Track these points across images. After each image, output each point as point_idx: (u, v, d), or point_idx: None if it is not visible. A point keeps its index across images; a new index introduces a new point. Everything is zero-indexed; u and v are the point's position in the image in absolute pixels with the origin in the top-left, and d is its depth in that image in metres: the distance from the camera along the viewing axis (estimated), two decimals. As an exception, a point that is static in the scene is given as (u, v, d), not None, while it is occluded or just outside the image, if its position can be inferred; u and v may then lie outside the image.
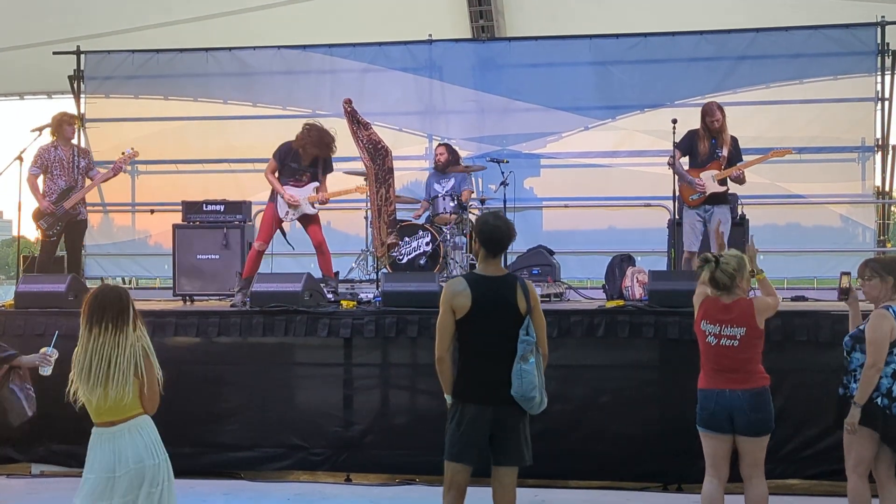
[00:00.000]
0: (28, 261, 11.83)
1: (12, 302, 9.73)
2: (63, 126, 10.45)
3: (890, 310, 6.22)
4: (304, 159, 10.00)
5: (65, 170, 10.35)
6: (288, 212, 9.98)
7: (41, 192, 10.31)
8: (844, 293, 6.77)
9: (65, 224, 10.37)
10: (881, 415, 6.19)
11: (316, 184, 10.08)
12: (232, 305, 9.76)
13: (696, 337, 6.43)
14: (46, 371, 6.42)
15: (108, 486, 5.06)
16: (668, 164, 9.89)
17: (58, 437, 9.00)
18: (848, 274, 6.82)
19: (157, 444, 5.24)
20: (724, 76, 12.79)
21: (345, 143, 10.28)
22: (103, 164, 13.77)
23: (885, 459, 6.28)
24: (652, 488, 8.44)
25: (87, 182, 10.52)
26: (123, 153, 10.80)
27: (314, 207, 10.05)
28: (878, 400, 6.18)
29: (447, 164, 11.59)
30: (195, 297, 10.95)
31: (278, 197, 9.99)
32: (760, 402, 6.22)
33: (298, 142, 9.96)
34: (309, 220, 10.10)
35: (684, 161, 9.84)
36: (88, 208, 11.69)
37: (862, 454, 6.26)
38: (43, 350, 6.55)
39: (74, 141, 10.68)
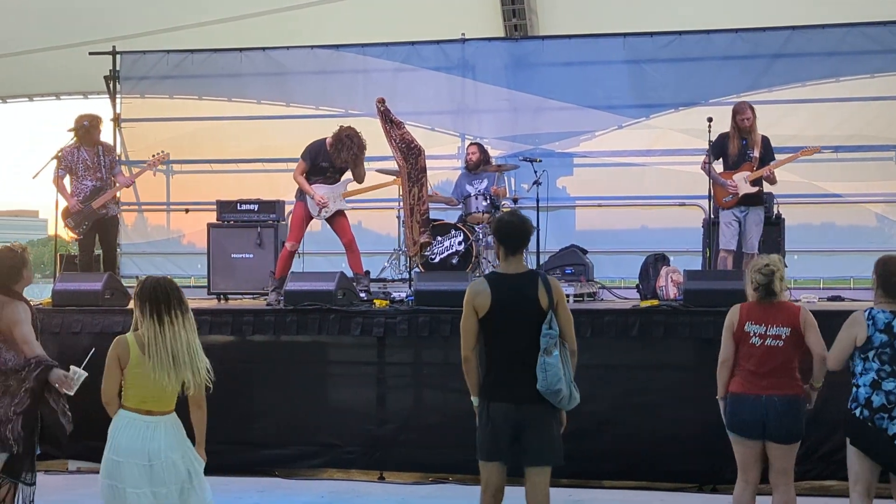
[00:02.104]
0: (64, 260, 11.93)
1: (50, 300, 9.81)
2: (86, 128, 10.51)
3: (867, 313, 6.05)
4: (336, 161, 10.01)
5: (90, 170, 10.43)
6: (320, 211, 9.99)
7: (69, 192, 10.40)
8: None
9: (93, 222, 10.43)
10: (862, 429, 5.96)
11: (349, 180, 10.09)
12: (266, 304, 9.80)
13: (730, 343, 6.35)
14: (70, 391, 6.37)
15: (146, 474, 5.14)
16: (701, 168, 9.87)
17: (93, 435, 9.03)
18: None
19: (188, 442, 5.35)
20: (759, 74, 12.67)
21: (378, 142, 10.29)
22: (138, 163, 13.94)
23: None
24: (686, 489, 8.40)
25: (113, 180, 10.57)
26: (154, 155, 10.86)
27: (344, 205, 10.06)
28: (857, 412, 5.97)
29: (479, 163, 11.57)
30: (229, 296, 11.01)
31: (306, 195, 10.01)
32: (794, 410, 6.19)
33: (334, 147, 9.93)
34: (337, 219, 10.10)
35: (717, 165, 9.81)
36: (123, 208, 11.77)
37: (858, 472, 6.02)
38: (72, 369, 6.53)
39: (105, 139, 10.75)
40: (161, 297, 5.30)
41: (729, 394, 6.31)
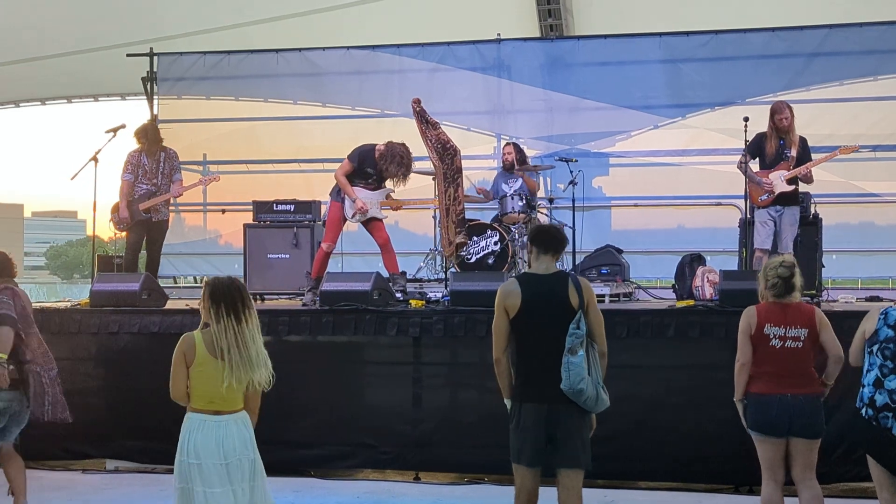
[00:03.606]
0: (102, 260, 12.05)
1: (87, 300, 9.91)
2: (148, 137, 10.76)
3: (885, 310, 6.00)
4: (382, 172, 10.04)
5: (147, 174, 10.60)
6: (356, 214, 10.01)
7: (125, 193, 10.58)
8: None
9: (138, 223, 10.56)
10: (867, 429, 5.86)
11: (389, 189, 10.12)
12: (303, 304, 9.84)
13: (748, 345, 6.37)
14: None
15: (224, 473, 5.21)
16: (738, 166, 9.83)
17: (131, 434, 9.16)
18: None
19: (254, 440, 5.42)
20: (796, 73, 12.59)
21: (414, 143, 10.31)
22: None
23: None
24: (723, 490, 8.36)
25: (172, 185, 10.75)
26: (206, 177, 11.03)
27: (382, 213, 10.11)
28: (864, 411, 5.89)
29: (514, 163, 11.57)
30: (266, 296, 11.07)
31: (345, 196, 10.04)
32: (817, 407, 6.27)
33: (383, 158, 9.93)
34: (373, 221, 10.14)
35: (754, 164, 9.76)
36: (162, 209, 11.82)
37: (879, 478, 5.94)
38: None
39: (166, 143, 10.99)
40: (237, 296, 5.32)
41: (751, 394, 6.33)
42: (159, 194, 10.62)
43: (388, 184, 10.13)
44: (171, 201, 11.43)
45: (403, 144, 10.04)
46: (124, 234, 10.84)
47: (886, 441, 5.82)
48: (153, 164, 10.64)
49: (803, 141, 9.70)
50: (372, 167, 10.02)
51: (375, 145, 10.04)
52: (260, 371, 5.31)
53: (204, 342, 5.28)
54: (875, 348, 5.93)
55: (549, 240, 5.64)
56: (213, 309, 5.28)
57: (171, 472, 5.43)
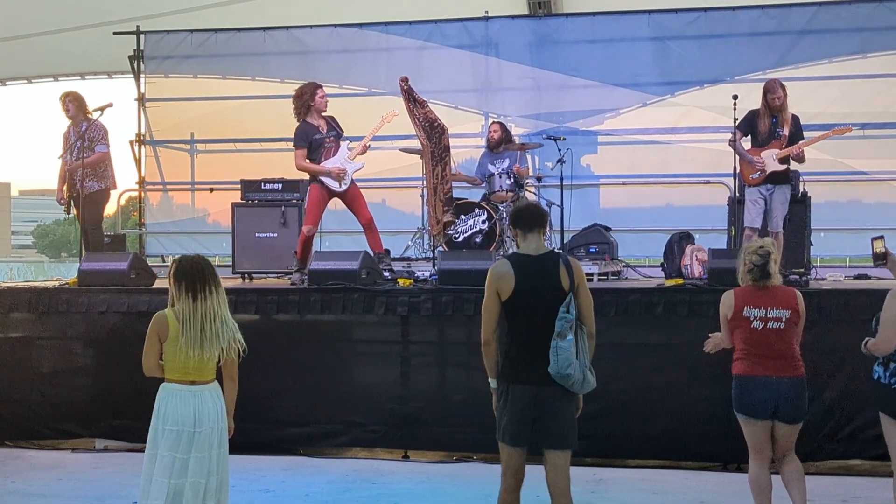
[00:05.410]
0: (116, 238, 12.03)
1: (76, 280, 9.88)
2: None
3: None
4: (319, 127, 10.00)
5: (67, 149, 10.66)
6: (341, 181, 9.96)
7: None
8: (881, 258, 6.51)
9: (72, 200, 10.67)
10: (889, 394, 5.92)
11: (347, 142, 10.10)
12: (291, 283, 9.83)
13: (728, 330, 6.43)
14: None
15: (191, 440, 5.43)
16: (729, 143, 9.82)
17: (119, 414, 9.15)
18: (881, 238, 6.59)
19: (224, 409, 5.63)
20: (785, 51, 12.58)
21: (401, 121, 10.28)
22: (163, 143, 14.05)
23: None
24: (711, 468, 8.39)
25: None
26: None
27: (357, 162, 10.06)
28: (886, 379, 5.93)
29: (500, 141, 11.53)
30: (254, 275, 11.05)
31: (320, 177, 10.01)
32: (801, 390, 6.27)
33: (303, 109, 9.98)
34: (353, 198, 10.09)
35: (745, 142, 9.74)
36: (148, 187, 11.75)
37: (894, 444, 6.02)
38: None
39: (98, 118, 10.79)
40: (196, 274, 5.55)
41: (736, 377, 6.36)
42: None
43: (342, 144, 10.11)
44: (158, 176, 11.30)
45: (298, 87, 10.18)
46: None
47: None
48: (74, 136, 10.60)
49: (796, 119, 9.68)
50: (316, 133, 9.99)
51: (301, 119, 10.04)
52: (226, 343, 5.54)
53: (175, 318, 5.52)
54: None
55: (530, 216, 5.60)
56: (175, 287, 5.57)
57: (160, 451, 5.59)
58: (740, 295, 6.38)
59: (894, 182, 12.56)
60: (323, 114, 10.07)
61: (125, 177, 16.06)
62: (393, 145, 10.68)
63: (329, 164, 9.98)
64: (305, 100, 9.97)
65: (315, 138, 9.97)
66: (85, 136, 10.49)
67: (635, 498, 7.53)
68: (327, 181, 9.97)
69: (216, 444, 5.53)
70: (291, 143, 10.02)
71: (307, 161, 9.97)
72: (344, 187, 10.01)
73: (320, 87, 10.11)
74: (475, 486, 7.78)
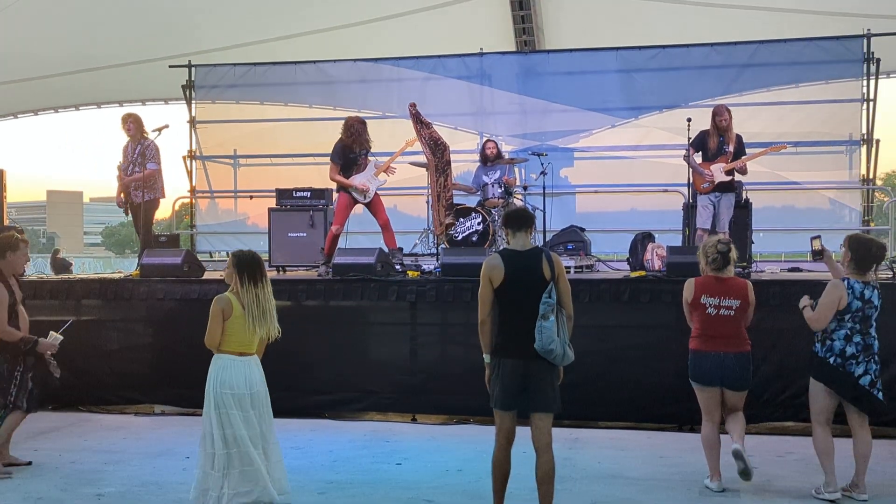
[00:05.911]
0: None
1: (138, 272, 9.87)
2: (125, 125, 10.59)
3: (846, 282, 6.09)
4: (356, 148, 9.95)
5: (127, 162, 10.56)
6: (364, 195, 9.94)
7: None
8: (818, 254, 6.68)
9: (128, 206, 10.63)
10: (834, 373, 6.08)
11: (374, 158, 10.07)
12: (318, 275, 9.81)
13: (689, 311, 6.47)
14: (55, 351, 6.86)
15: (246, 400, 5.55)
16: (684, 158, 9.82)
17: (174, 383, 9.14)
18: (818, 237, 6.73)
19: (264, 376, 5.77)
20: (731, 81, 12.60)
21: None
22: (211, 158, 14.05)
23: (854, 409, 6.16)
24: (668, 429, 8.39)
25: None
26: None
27: (380, 178, 10.03)
28: (832, 360, 6.07)
29: (493, 157, 11.52)
30: (286, 268, 11.04)
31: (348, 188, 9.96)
32: (745, 363, 6.35)
33: (350, 136, 9.85)
34: (374, 204, 10.06)
35: (697, 157, 9.76)
36: (199, 195, 11.68)
37: (821, 405, 6.17)
38: (51, 335, 6.83)
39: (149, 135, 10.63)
40: (255, 265, 5.68)
41: (692, 351, 6.43)
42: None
43: (370, 160, 10.05)
44: (207, 186, 11.22)
45: (350, 116, 10.12)
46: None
47: (849, 382, 6.07)
48: (132, 153, 10.50)
49: (739, 138, 9.71)
50: (352, 152, 9.93)
51: (340, 138, 9.95)
52: (272, 324, 5.67)
53: (237, 300, 5.60)
54: (846, 317, 6.05)
55: (519, 218, 5.61)
56: (238, 275, 5.62)
57: (208, 414, 5.62)
58: (699, 284, 6.41)
59: (821, 191, 12.58)
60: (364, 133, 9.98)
61: (179, 186, 16.04)
62: (403, 160, 10.67)
63: (357, 179, 9.94)
64: (354, 131, 9.90)
65: (349, 157, 9.95)
66: (141, 152, 10.42)
67: (605, 454, 7.51)
68: (354, 193, 9.95)
69: (262, 402, 5.65)
70: (327, 158, 10.00)
71: (339, 175, 9.93)
72: (367, 199, 10.00)
73: (364, 123, 10.04)
74: (472, 443, 7.77)
